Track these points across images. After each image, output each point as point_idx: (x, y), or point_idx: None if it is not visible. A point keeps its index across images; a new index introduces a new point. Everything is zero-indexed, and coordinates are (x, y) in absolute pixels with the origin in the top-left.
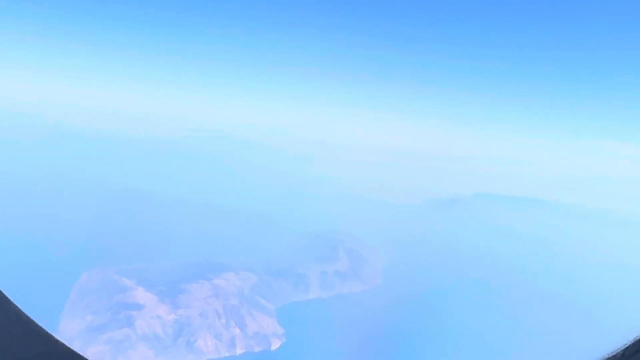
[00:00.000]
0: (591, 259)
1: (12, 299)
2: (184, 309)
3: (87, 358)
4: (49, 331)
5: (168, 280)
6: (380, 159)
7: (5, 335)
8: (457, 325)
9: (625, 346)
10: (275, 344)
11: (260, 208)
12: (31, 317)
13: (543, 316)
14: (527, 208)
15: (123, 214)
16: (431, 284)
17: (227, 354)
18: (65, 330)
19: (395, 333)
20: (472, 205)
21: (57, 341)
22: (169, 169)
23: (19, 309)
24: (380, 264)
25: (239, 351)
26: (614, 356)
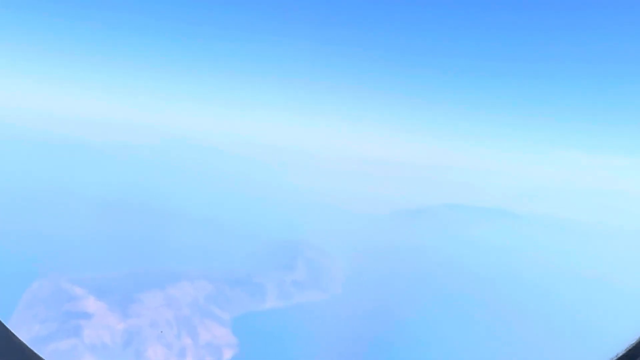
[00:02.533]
0: (558, 270)
1: None
2: (135, 318)
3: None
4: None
5: (121, 289)
6: (349, 167)
7: None
8: (418, 335)
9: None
10: (228, 355)
11: (222, 216)
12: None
13: (509, 327)
14: (495, 219)
15: (78, 221)
16: (394, 294)
17: None
18: None
19: (353, 343)
20: (439, 216)
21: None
22: (127, 175)
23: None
24: (341, 274)
25: None
26: None
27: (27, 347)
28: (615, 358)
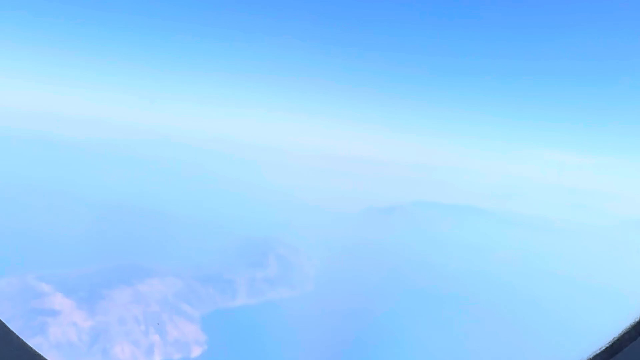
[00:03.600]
0: (529, 268)
1: None
2: (103, 315)
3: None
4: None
5: (89, 286)
6: (322, 165)
7: None
8: (389, 332)
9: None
10: (196, 352)
11: (194, 212)
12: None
13: (479, 324)
14: (465, 216)
15: (48, 217)
16: (365, 291)
17: None
18: None
19: (323, 340)
20: (410, 213)
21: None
22: (98, 172)
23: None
24: (312, 271)
25: (157, 359)
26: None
27: (28, 346)
28: (599, 351)
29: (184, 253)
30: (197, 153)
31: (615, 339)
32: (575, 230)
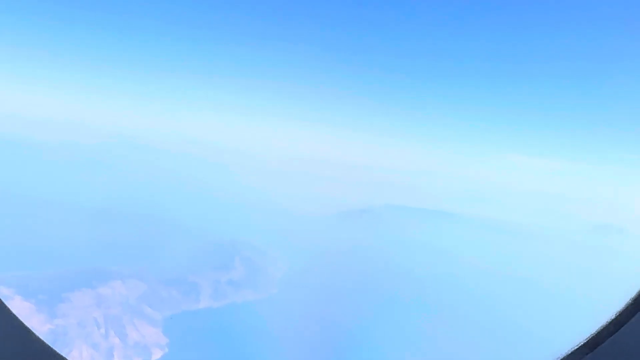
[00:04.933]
0: (493, 270)
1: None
2: (62, 318)
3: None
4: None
5: (50, 289)
6: (294, 169)
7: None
8: (354, 335)
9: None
10: (157, 354)
11: (160, 214)
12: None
13: (444, 325)
14: (435, 220)
15: (11, 219)
16: (331, 293)
17: None
18: None
19: (285, 341)
20: (381, 217)
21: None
22: (63, 173)
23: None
24: (278, 274)
25: None
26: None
27: (48, 345)
28: (578, 346)
29: (148, 255)
30: (167, 156)
31: (594, 334)
32: (543, 235)
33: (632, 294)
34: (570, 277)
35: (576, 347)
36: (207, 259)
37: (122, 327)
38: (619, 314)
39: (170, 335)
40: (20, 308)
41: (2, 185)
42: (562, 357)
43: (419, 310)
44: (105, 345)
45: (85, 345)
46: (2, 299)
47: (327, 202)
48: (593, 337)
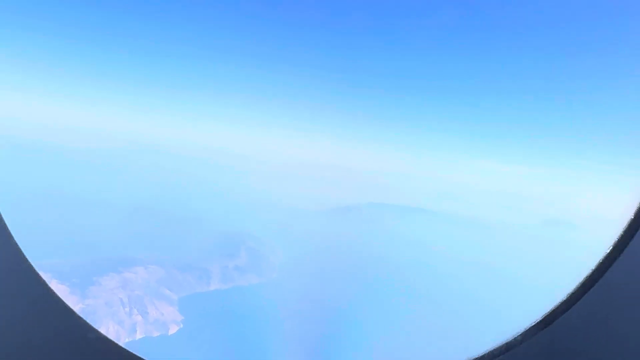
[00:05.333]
0: (462, 258)
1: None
2: (92, 299)
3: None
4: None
5: (82, 273)
6: (291, 171)
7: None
8: (343, 313)
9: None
10: (173, 330)
11: (177, 211)
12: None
13: (417, 304)
14: (411, 215)
15: (47, 214)
16: (323, 278)
17: (127, 339)
18: None
19: (285, 319)
20: (365, 213)
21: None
22: (98, 176)
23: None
24: (277, 261)
25: (138, 336)
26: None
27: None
28: (534, 323)
29: (167, 246)
30: (182, 159)
31: (548, 312)
32: (504, 228)
33: (580, 278)
34: (526, 264)
35: (533, 324)
36: (217, 248)
37: (144, 307)
38: (570, 295)
39: (184, 313)
40: (56, 290)
41: (43, 187)
42: (520, 332)
43: (396, 291)
44: (129, 322)
45: (112, 322)
46: (47, 282)
47: (319, 200)
48: (547, 315)
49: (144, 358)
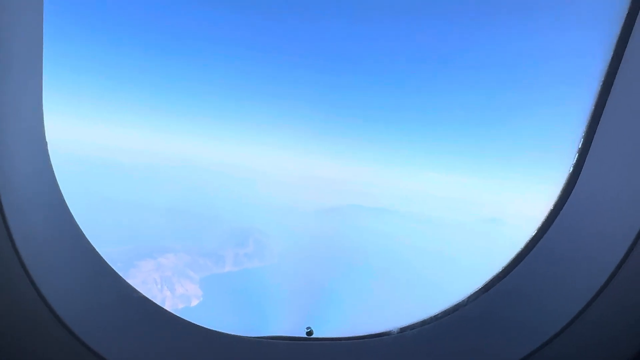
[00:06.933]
0: (421, 248)
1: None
2: (132, 279)
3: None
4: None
5: (125, 259)
6: (290, 180)
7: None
8: (327, 289)
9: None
10: (195, 302)
11: (202, 211)
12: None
13: (385, 284)
14: (382, 215)
15: (106, 215)
16: (313, 264)
17: None
18: None
19: (284, 294)
20: (346, 213)
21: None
22: (142, 184)
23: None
24: (277, 250)
25: (167, 307)
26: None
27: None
28: (476, 290)
29: (193, 238)
30: (207, 173)
31: (488, 280)
32: (452, 225)
33: (510, 257)
34: (470, 252)
35: (476, 290)
36: (231, 239)
37: (172, 285)
38: (505, 267)
39: (204, 290)
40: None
41: (102, 194)
42: (465, 297)
43: (369, 274)
44: (160, 296)
45: (147, 296)
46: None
47: (310, 202)
48: (487, 282)
49: (175, 314)
